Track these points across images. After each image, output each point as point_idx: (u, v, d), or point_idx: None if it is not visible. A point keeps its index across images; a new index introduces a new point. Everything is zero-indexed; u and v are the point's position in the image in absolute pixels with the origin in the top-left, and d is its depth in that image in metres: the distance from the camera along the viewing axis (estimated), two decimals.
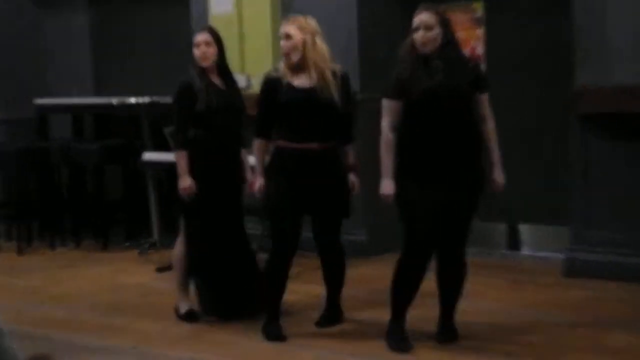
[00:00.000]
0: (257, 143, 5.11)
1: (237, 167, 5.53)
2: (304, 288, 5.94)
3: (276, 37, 6.77)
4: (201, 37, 5.48)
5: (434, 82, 4.56)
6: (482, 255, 6.87)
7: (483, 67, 6.80)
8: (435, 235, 4.66)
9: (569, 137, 6.27)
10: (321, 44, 5.04)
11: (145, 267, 7.04)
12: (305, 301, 5.73)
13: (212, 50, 5.45)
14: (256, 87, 5.48)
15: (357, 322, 5.37)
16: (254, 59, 7.16)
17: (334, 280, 5.33)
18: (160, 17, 8.32)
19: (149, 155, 7.21)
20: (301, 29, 5.01)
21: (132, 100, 7.65)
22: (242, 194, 5.60)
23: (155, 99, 7.45)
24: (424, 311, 5.01)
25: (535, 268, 6.56)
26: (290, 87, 4.98)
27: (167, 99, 5.89)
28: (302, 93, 4.97)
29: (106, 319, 5.69)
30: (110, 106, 7.83)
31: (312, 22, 5.07)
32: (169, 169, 5.73)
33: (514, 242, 7.06)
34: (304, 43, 4.98)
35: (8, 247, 8.00)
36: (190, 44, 5.49)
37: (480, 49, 6.93)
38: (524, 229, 7.04)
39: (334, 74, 5.02)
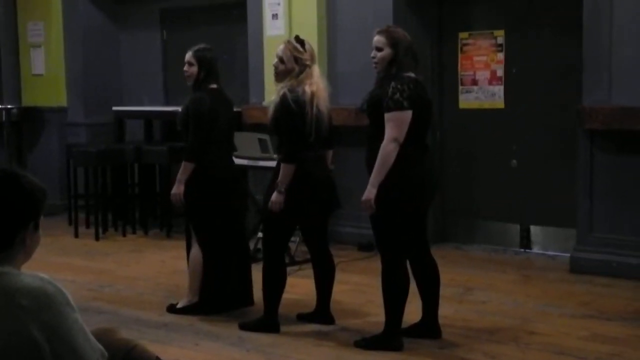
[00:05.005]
0: (291, 168, 4.67)
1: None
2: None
3: (323, 58, 6.89)
4: (186, 56, 5.26)
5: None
6: (498, 252, 6.99)
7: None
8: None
9: (576, 150, 6.28)
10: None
11: None
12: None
13: (191, 70, 5.21)
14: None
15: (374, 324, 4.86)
16: None
17: (329, 285, 5.01)
18: (223, 35, 8.21)
19: None
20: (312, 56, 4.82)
21: None
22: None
23: None
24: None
25: (545, 265, 6.52)
26: (319, 109, 4.71)
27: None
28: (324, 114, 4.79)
29: (167, 299, 5.61)
30: (177, 113, 7.31)
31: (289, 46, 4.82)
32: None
33: (526, 242, 7.00)
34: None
35: (86, 233, 8.05)
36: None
37: (500, 72, 6.95)
38: (535, 230, 7.00)
39: None
